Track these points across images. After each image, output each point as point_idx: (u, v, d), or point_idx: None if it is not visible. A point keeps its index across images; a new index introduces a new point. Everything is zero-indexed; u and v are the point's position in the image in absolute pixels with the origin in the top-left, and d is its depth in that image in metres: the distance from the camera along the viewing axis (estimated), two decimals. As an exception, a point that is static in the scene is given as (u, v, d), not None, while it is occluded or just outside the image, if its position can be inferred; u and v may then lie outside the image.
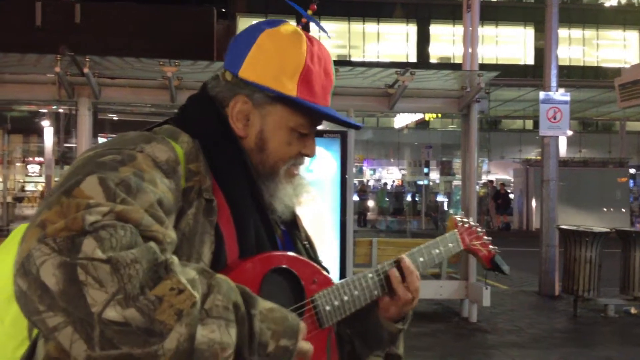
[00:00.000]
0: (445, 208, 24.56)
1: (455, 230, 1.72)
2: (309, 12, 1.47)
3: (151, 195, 1.11)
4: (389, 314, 1.53)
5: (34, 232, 1.00)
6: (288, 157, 1.41)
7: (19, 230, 1.39)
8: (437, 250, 1.65)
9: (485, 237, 1.76)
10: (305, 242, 1.56)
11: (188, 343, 0.99)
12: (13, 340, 1.26)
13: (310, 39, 1.41)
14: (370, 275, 1.49)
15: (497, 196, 24.64)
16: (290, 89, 1.36)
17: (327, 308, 1.39)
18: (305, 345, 1.21)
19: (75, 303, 0.95)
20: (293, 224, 1.54)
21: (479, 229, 1.77)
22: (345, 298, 1.43)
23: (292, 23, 1.45)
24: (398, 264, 1.52)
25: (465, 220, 1.76)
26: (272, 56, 1.36)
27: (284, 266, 1.33)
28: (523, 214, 24.67)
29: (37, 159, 28.17)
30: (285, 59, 1.36)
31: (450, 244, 1.69)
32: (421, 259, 1.60)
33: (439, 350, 7.14)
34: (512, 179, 27.56)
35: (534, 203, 23.35)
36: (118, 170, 1.11)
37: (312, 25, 1.51)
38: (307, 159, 1.47)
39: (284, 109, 1.38)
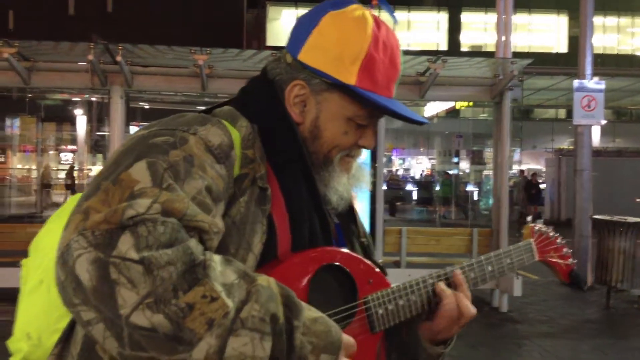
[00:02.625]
0: (475, 198, 24.36)
1: (531, 239, 1.58)
2: None
3: (199, 182, 1.09)
4: (438, 336, 1.41)
5: (77, 219, 1.00)
6: (343, 147, 1.34)
7: (74, 199, 1.39)
8: (509, 260, 1.52)
9: (565, 249, 1.63)
10: (363, 239, 1.47)
11: (217, 355, 0.97)
12: (58, 311, 1.25)
13: (378, 24, 1.32)
14: (430, 280, 1.39)
15: (530, 186, 24.39)
16: (349, 76, 1.28)
17: (380, 311, 1.30)
18: None
19: (105, 302, 0.95)
20: (349, 217, 1.46)
21: (558, 240, 1.62)
22: (401, 302, 1.33)
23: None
24: (447, 277, 1.41)
25: (544, 229, 1.61)
26: (332, 41, 1.28)
27: (337, 263, 1.25)
28: (555, 204, 24.38)
29: (69, 147, 28.57)
30: (346, 45, 1.28)
31: (524, 255, 1.55)
32: (490, 268, 1.47)
33: (469, 339, 7.11)
34: (544, 169, 27.23)
35: (565, 193, 23.05)
36: (168, 153, 1.09)
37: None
38: (363, 151, 1.38)
39: (342, 97, 1.30)
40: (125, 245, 0.96)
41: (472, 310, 1.39)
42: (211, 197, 1.10)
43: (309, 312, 1.08)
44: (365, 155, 1.47)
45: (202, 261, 1.00)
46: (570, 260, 1.63)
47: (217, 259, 1.03)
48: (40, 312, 1.28)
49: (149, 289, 0.94)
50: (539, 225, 1.62)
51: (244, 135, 1.24)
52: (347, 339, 1.13)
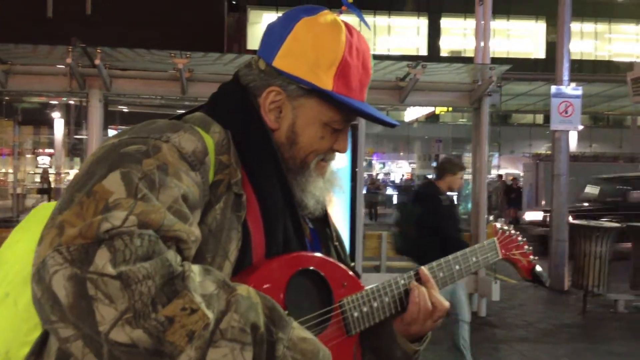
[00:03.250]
0: (455, 202, 24.50)
1: (495, 238, 1.63)
2: (350, 0, 1.40)
3: (175, 190, 1.07)
4: (410, 329, 1.41)
5: (51, 234, 0.99)
6: (319, 152, 1.35)
7: (39, 210, 1.37)
8: (474, 259, 1.56)
9: (526, 247, 1.68)
10: (336, 243, 1.48)
11: None
12: (26, 324, 1.23)
13: (350, 30, 1.34)
14: (402, 281, 1.40)
15: (510, 190, 24.57)
16: (326, 82, 1.29)
17: (355, 314, 1.31)
18: None
19: (84, 319, 0.93)
20: (323, 222, 1.47)
21: (519, 238, 1.68)
22: (375, 305, 1.35)
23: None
24: (417, 274, 1.43)
25: (506, 227, 1.67)
26: (308, 47, 1.29)
27: (311, 268, 1.26)
28: (532, 209, 24.56)
29: (47, 150, 28.28)
30: (322, 51, 1.29)
31: (488, 253, 1.60)
32: (457, 267, 1.51)
33: (447, 344, 7.14)
34: (522, 174, 27.45)
35: (543, 198, 23.24)
36: (142, 162, 1.08)
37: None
38: (337, 154, 1.40)
39: (318, 102, 1.31)
40: (102, 260, 0.94)
41: (445, 303, 1.41)
42: (187, 206, 1.09)
43: (300, 331, 1.08)
44: (345, 159, 1.48)
45: (181, 273, 0.99)
46: (531, 257, 1.68)
47: (195, 269, 1.02)
48: (7, 326, 1.24)
49: (128, 304, 0.93)
50: (501, 224, 1.67)
51: (217, 141, 1.23)
52: None
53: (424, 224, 5.73)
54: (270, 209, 1.26)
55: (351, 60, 1.31)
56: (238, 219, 1.21)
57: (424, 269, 1.44)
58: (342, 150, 1.39)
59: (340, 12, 1.40)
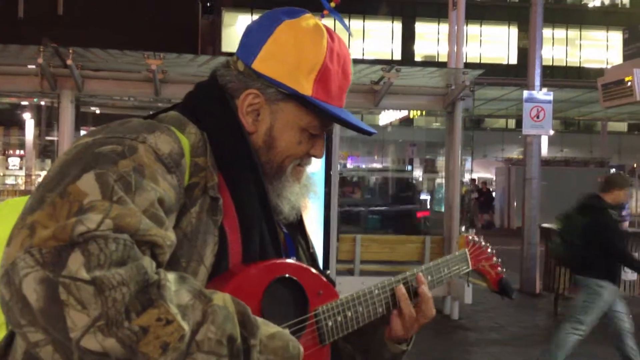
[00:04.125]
0: (428, 206, 24.62)
1: (466, 249, 1.65)
2: (332, 4, 1.40)
3: (151, 194, 1.04)
4: (395, 333, 1.44)
5: (22, 235, 0.95)
6: (296, 156, 1.34)
7: (1, 207, 1.33)
8: (446, 270, 1.57)
9: (495, 259, 1.71)
10: (311, 250, 1.48)
11: None
12: None
13: (331, 35, 1.33)
14: (376, 291, 1.41)
15: (480, 194, 24.79)
16: (306, 87, 1.28)
17: (330, 324, 1.30)
18: None
19: (54, 324, 0.90)
20: (297, 228, 1.46)
21: (489, 249, 1.70)
22: (349, 314, 1.34)
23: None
24: (406, 282, 1.45)
25: (477, 239, 1.69)
26: (289, 51, 1.28)
27: (289, 275, 1.24)
28: (504, 213, 24.82)
29: (17, 152, 27.86)
30: (303, 55, 1.28)
31: (459, 264, 1.62)
32: (429, 278, 1.52)
33: (420, 347, 7.15)
34: (494, 178, 27.72)
35: (515, 201, 23.50)
36: (117, 164, 1.04)
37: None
38: (314, 160, 1.40)
39: (297, 107, 1.30)
40: (76, 264, 0.91)
41: (434, 311, 1.46)
42: (163, 209, 1.06)
43: (266, 327, 1.06)
44: (319, 162, 1.48)
45: (157, 281, 0.96)
46: (499, 269, 1.71)
47: (171, 277, 1.00)
48: None
49: (100, 311, 0.90)
50: (472, 235, 1.70)
51: (193, 142, 1.21)
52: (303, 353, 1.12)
53: (592, 236, 5.66)
54: (248, 214, 1.24)
55: (332, 65, 1.30)
56: (215, 223, 1.19)
57: (421, 276, 1.47)
58: (319, 156, 1.38)
59: (322, 16, 1.38)
